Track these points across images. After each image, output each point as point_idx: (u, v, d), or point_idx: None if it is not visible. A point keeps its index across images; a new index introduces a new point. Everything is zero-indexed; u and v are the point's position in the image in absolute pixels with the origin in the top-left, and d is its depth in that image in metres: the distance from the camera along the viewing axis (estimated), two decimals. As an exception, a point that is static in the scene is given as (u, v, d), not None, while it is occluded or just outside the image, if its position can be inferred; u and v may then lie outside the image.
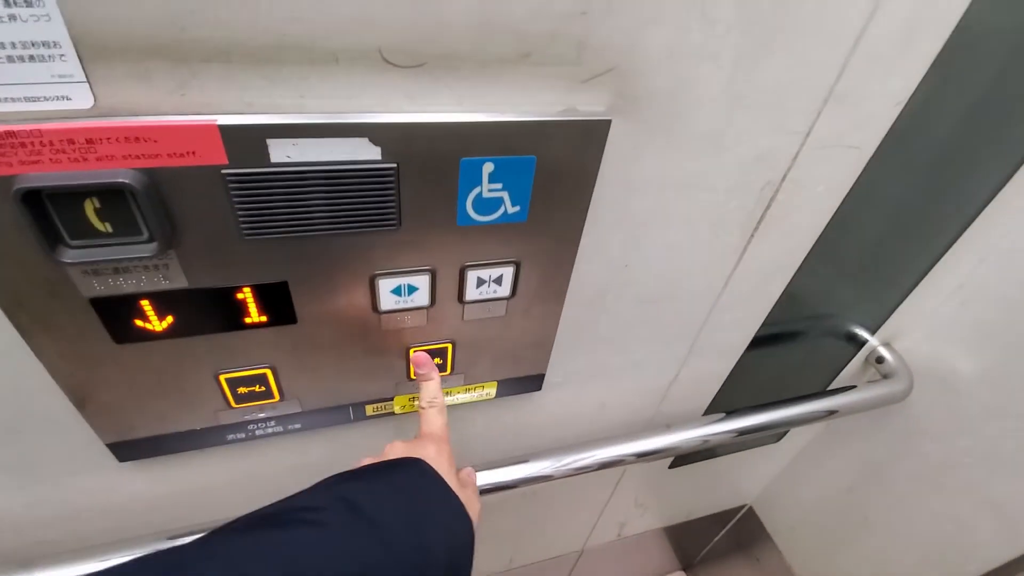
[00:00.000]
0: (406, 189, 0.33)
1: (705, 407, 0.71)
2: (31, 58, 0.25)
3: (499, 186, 0.35)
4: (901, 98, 0.41)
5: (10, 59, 0.24)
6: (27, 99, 0.26)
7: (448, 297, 0.41)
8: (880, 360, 0.74)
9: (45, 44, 0.24)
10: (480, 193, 0.35)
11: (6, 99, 0.25)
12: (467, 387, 0.50)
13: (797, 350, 0.77)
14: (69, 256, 0.29)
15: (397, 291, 0.38)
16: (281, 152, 0.29)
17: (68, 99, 0.26)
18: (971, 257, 0.64)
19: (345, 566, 0.27)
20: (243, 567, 0.25)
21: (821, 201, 0.48)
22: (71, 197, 0.28)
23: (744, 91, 0.36)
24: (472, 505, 0.37)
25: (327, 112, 0.29)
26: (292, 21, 0.26)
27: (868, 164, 0.46)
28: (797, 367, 0.78)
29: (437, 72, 0.30)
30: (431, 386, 0.42)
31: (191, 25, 0.25)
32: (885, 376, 0.73)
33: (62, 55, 0.25)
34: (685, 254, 0.47)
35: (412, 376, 0.46)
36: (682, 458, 0.85)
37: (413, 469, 0.35)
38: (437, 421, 0.41)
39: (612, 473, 0.80)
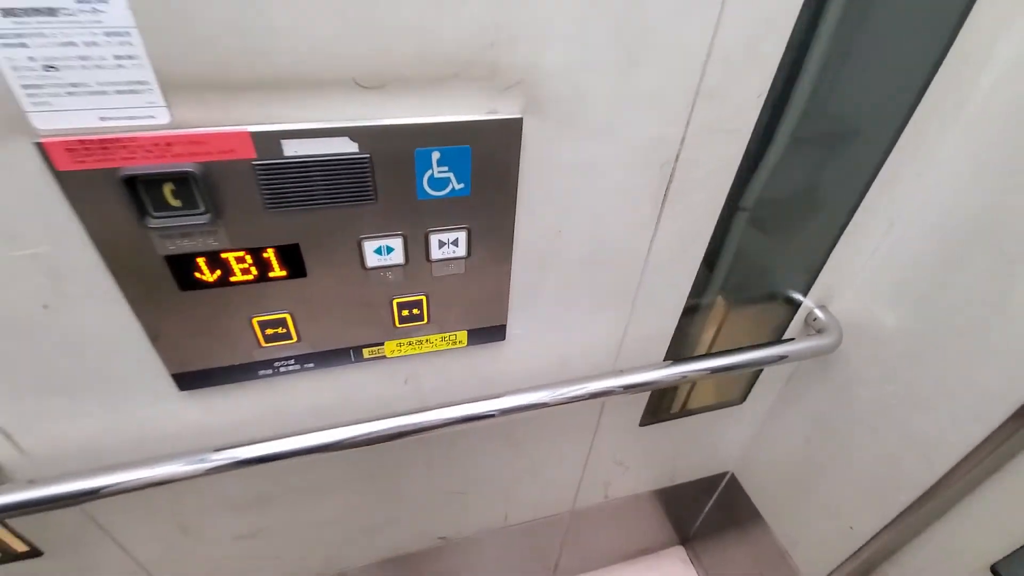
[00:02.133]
0: (379, 173, 0.47)
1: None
2: (131, 91, 0.39)
3: (445, 168, 0.48)
4: (761, 91, 0.54)
5: (118, 92, 0.39)
6: (127, 117, 0.40)
7: (419, 256, 0.54)
8: (815, 319, 0.85)
9: (140, 83, 0.39)
10: (432, 174, 0.48)
11: (114, 117, 0.40)
12: (442, 335, 0.63)
13: (741, 315, 0.89)
14: (152, 223, 0.43)
15: (379, 251, 0.52)
16: (291, 149, 0.43)
17: (153, 117, 0.40)
18: (881, 222, 0.75)
19: None
20: None
21: (716, 176, 0.60)
22: (155, 182, 0.42)
23: (626, 92, 0.49)
24: None
25: (321, 120, 0.43)
26: (295, 64, 0.40)
27: (750, 143, 0.58)
28: (743, 331, 0.89)
29: (394, 90, 0.43)
30: None
31: (232, 68, 0.39)
32: (819, 331, 0.84)
33: (150, 89, 0.39)
34: (609, 223, 0.60)
35: (397, 324, 0.59)
36: (652, 416, 0.96)
37: None
38: None
39: (587, 427, 0.91)
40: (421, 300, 0.58)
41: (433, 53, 0.42)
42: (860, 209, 0.73)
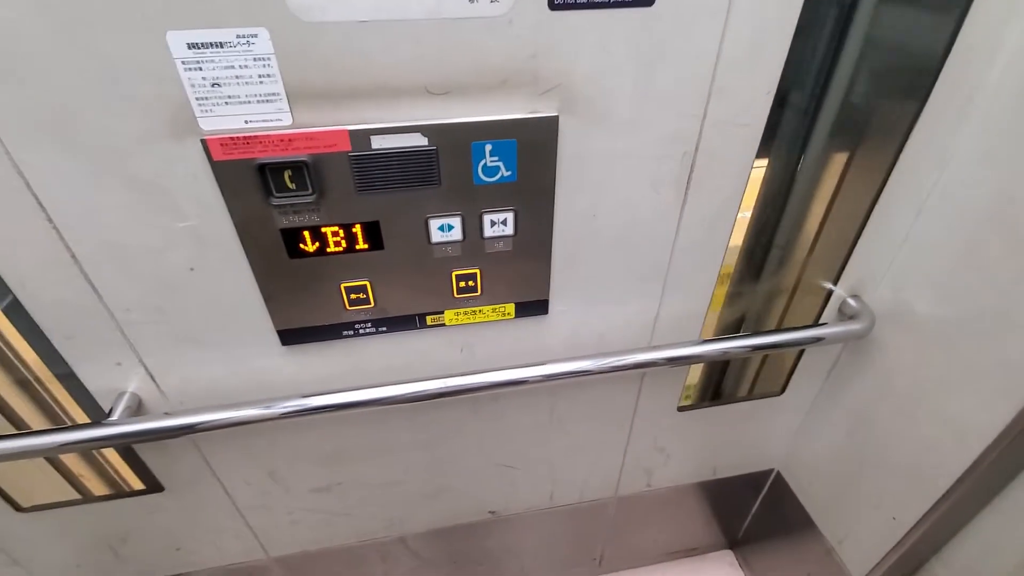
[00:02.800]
0: (443, 161, 0.58)
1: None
2: (267, 101, 0.53)
3: (496, 159, 0.59)
4: (770, 88, 0.62)
5: (259, 101, 0.53)
6: (263, 120, 0.54)
7: (474, 233, 0.65)
8: (847, 308, 0.89)
9: (274, 94, 0.53)
10: (485, 163, 0.59)
11: (254, 120, 0.54)
12: (493, 306, 0.73)
13: (773, 304, 0.94)
14: (275, 202, 0.57)
15: (442, 228, 0.64)
16: (378, 143, 0.56)
17: (281, 120, 0.54)
18: (908, 210, 0.79)
19: None
20: None
21: (734, 164, 0.68)
22: (279, 169, 0.56)
23: (647, 92, 0.59)
24: None
25: (401, 120, 0.56)
26: (383, 77, 0.53)
27: (764, 137, 0.66)
28: (774, 318, 0.94)
29: (456, 95, 0.55)
30: None
31: (336, 84, 0.52)
32: (851, 318, 0.88)
33: (281, 99, 0.53)
34: (637, 207, 0.69)
35: (455, 295, 0.71)
36: (688, 402, 1.02)
37: None
38: None
39: (625, 410, 0.98)
40: (475, 273, 0.69)
41: (486, 65, 0.54)
42: (884, 197, 0.77)
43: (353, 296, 0.67)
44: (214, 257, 0.62)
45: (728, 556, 1.51)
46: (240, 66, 0.51)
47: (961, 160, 0.71)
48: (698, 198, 0.69)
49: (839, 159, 0.75)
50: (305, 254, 0.62)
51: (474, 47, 0.53)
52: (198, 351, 0.70)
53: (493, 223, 0.65)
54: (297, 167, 0.56)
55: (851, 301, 0.89)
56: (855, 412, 0.99)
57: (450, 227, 0.64)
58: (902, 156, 0.73)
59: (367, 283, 0.67)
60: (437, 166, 0.58)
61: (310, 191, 0.58)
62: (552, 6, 0.51)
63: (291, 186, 0.57)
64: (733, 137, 0.65)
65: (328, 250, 0.62)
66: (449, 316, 0.73)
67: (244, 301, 0.66)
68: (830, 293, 0.90)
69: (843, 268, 0.86)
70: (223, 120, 0.53)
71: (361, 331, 0.71)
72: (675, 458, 1.14)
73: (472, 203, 0.63)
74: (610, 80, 0.57)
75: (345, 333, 0.71)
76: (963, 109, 0.68)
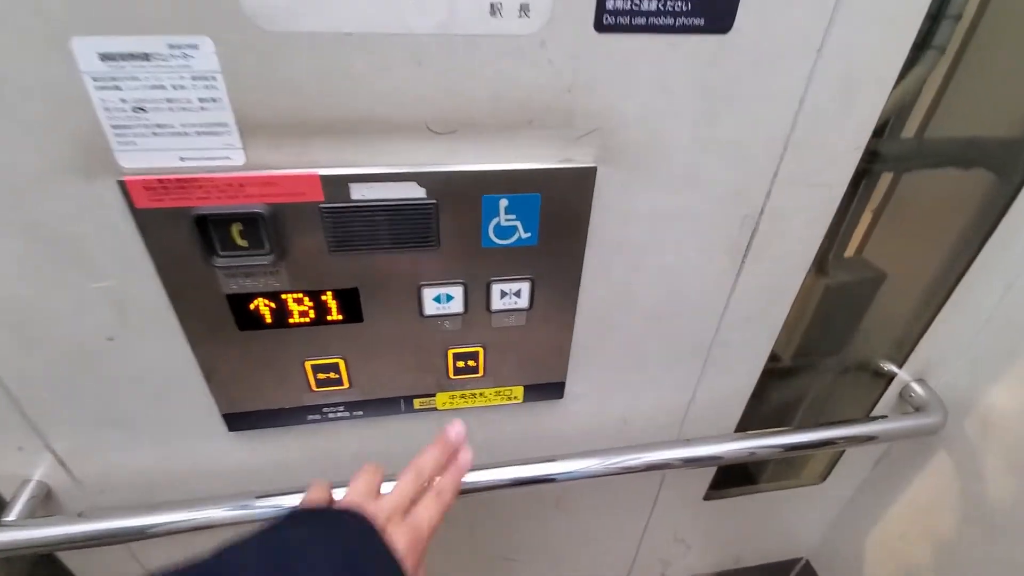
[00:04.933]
0: (443, 218, 0.45)
1: (730, 432, 0.75)
2: (210, 133, 0.40)
3: (513, 217, 0.46)
4: (859, 144, 0.49)
5: (198, 133, 0.39)
6: (205, 158, 0.40)
7: (478, 306, 0.51)
8: (912, 395, 0.75)
9: (220, 124, 0.39)
10: (499, 222, 0.46)
11: (192, 158, 0.40)
12: (497, 389, 0.59)
13: (825, 386, 0.80)
14: (219, 263, 0.43)
15: (438, 299, 0.50)
16: (359, 192, 0.43)
17: (229, 159, 0.41)
18: (996, 284, 0.66)
19: None
20: None
21: (804, 230, 0.55)
22: (225, 221, 0.42)
23: (708, 141, 0.46)
24: None
25: (391, 165, 0.42)
26: (369, 107, 0.40)
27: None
28: (826, 402, 0.81)
29: (466, 135, 0.42)
30: (454, 474, 0.41)
31: (308, 113, 0.39)
32: (917, 410, 0.74)
33: (229, 132, 0.40)
34: (682, 276, 0.55)
35: (451, 376, 0.57)
36: (717, 490, 0.87)
37: (356, 532, 0.33)
38: (431, 514, 0.38)
39: (646, 497, 0.84)
40: (478, 352, 0.55)
41: (508, 99, 0.41)
42: (972, 269, 0.65)
43: (321, 376, 0.53)
44: (139, 326, 0.47)
45: (742, 645, 1.35)
46: (173, 86, 0.37)
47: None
48: (756, 267, 0.56)
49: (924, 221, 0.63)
50: (259, 325, 0.48)
51: (493, 74, 0.40)
52: (122, 433, 0.55)
53: (504, 294, 0.51)
54: (250, 220, 0.42)
55: (916, 387, 0.75)
56: (913, 511, 0.84)
57: (449, 298, 0.50)
58: (1006, 216, 0.60)
59: (340, 361, 0.53)
60: (436, 224, 0.45)
61: (267, 250, 0.44)
62: (600, 26, 0.39)
63: (242, 243, 0.43)
64: (807, 199, 0.52)
65: (290, 321, 0.48)
66: (442, 399, 0.59)
67: (179, 379, 0.51)
68: (891, 376, 0.76)
69: (913, 348, 0.73)
70: (150, 156, 0.39)
71: (331, 415, 0.57)
72: (696, 548, 0.98)
73: (478, 270, 0.49)
74: (665, 124, 0.45)
75: (311, 418, 0.56)
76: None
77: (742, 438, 0.68)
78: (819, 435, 0.70)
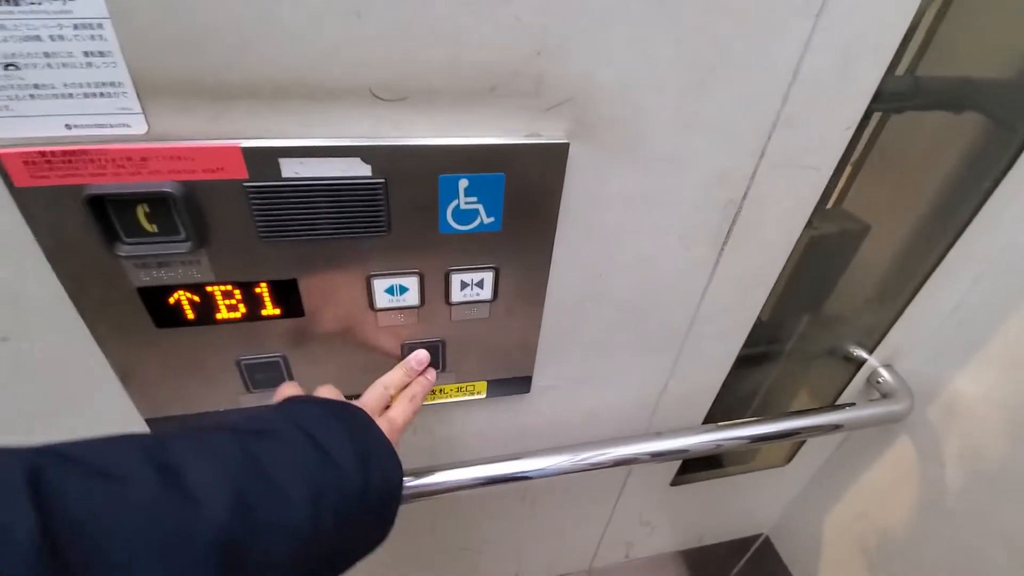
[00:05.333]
0: (394, 201, 0.39)
1: (699, 422, 0.73)
2: (101, 95, 0.32)
3: (474, 199, 0.40)
4: (850, 123, 0.45)
5: (86, 95, 0.32)
6: (96, 126, 0.33)
7: (436, 298, 0.46)
8: (879, 381, 0.75)
9: (112, 84, 0.32)
10: (458, 205, 0.40)
11: (81, 125, 0.33)
12: (459, 385, 0.55)
13: (794, 371, 0.79)
14: (123, 251, 0.36)
15: (390, 291, 0.44)
16: (290, 169, 0.36)
17: (128, 127, 0.34)
18: (966, 276, 0.65)
19: (304, 481, 0.31)
20: (219, 452, 0.30)
21: (787, 217, 0.51)
22: (126, 203, 0.35)
23: (693, 118, 0.41)
24: None
25: (328, 136, 0.36)
26: (303, 68, 0.33)
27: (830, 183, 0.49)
28: (795, 389, 0.80)
29: (418, 103, 0.36)
30: (401, 378, 0.47)
31: (223, 71, 0.32)
32: (885, 396, 0.74)
33: (124, 93, 0.33)
34: (658, 265, 0.51)
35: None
36: (684, 476, 0.86)
37: (356, 415, 0.39)
38: (404, 413, 0.45)
39: (612, 486, 0.82)
40: (437, 346, 0.50)
41: (467, 62, 0.35)
42: (946, 259, 0.63)
43: (259, 375, 0.47)
44: (37, 324, 0.40)
45: (702, 615, 1.38)
46: (51, 36, 0.30)
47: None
48: (736, 256, 0.52)
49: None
50: (181, 322, 0.42)
51: (450, 31, 0.33)
52: (30, 442, 0.48)
53: (464, 284, 0.46)
54: (158, 200, 0.35)
55: (885, 373, 0.75)
56: (873, 492, 0.85)
57: (403, 289, 0.45)
58: (983, 208, 0.58)
59: (279, 359, 0.47)
60: (386, 206, 0.39)
61: (182, 236, 0.37)
62: (575, -24, 0.33)
63: (150, 228, 0.36)
64: (793, 182, 0.48)
65: (218, 316, 0.42)
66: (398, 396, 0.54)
67: (88, 381, 0.44)
68: (861, 362, 0.75)
69: (885, 335, 0.71)
70: (28, 124, 0.32)
71: (273, 417, 0.51)
72: (660, 530, 0.98)
73: (436, 258, 0.44)
74: (646, 97, 0.39)
75: (249, 420, 0.50)
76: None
77: (712, 430, 0.65)
78: (789, 424, 0.68)
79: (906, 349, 0.73)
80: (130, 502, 0.25)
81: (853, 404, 0.72)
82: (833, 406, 0.71)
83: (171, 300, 0.40)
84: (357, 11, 0.31)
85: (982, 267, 0.64)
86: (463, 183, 0.39)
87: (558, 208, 0.43)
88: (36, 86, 0.31)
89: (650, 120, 0.41)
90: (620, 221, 0.47)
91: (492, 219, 0.42)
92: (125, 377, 0.44)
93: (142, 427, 0.48)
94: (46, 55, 0.31)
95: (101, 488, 0.25)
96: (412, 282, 0.44)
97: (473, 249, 0.44)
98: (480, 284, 0.46)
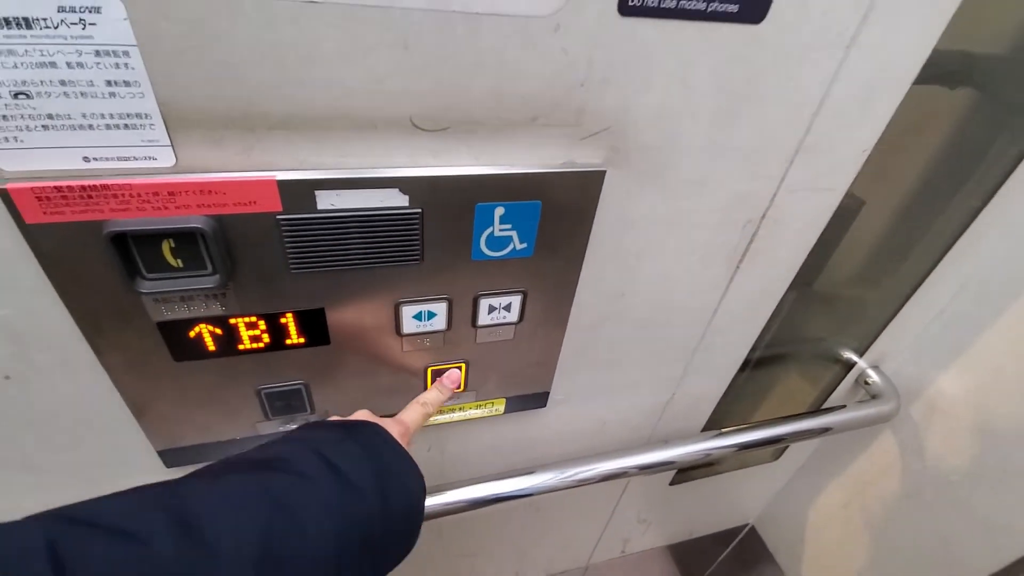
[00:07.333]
0: (429, 230, 0.38)
1: (701, 427, 0.74)
2: (125, 126, 0.30)
3: (508, 226, 0.40)
4: (867, 146, 0.46)
5: (108, 127, 0.30)
6: (119, 159, 0.31)
7: (463, 322, 0.46)
8: (868, 381, 0.78)
9: (139, 116, 0.30)
10: (492, 232, 0.40)
11: (102, 158, 0.31)
12: (479, 403, 0.54)
13: (789, 373, 0.82)
14: (145, 287, 0.34)
15: (418, 316, 0.43)
16: (326, 201, 0.35)
17: (154, 159, 0.31)
18: (951, 285, 0.68)
19: (328, 514, 0.31)
20: (239, 502, 0.28)
21: (800, 236, 0.52)
22: (152, 238, 0.33)
23: (722, 144, 0.42)
24: None
25: (365, 168, 0.35)
26: (341, 97, 0.32)
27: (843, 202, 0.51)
28: (789, 389, 0.82)
29: (458, 134, 0.35)
30: (438, 396, 0.47)
31: (259, 102, 0.31)
32: (873, 397, 0.77)
33: (152, 125, 0.30)
34: (676, 283, 0.52)
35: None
36: (682, 475, 0.88)
37: (372, 432, 0.38)
38: (417, 416, 0.45)
39: (614, 489, 0.83)
40: (460, 368, 0.49)
41: (512, 93, 0.34)
42: (936, 269, 0.66)
43: (279, 403, 0.46)
44: (44, 361, 0.38)
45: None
46: (69, 64, 0.27)
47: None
48: (750, 273, 0.54)
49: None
50: (201, 355, 0.40)
51: (496, 63, 0.32)
52: (36, 478, 0.45)
53: (492, 308, 0.45)
54: (186, 236, 0.33)
55: (873, 374, 0.78)
56: (856, 484, 0.90)
57: (431, 315, 0.44)
58: (973, 224, 0.61)
59: (302, 386, 0.45)
60: (420, 236, 0.38)
61: (209, 271, 0.35)
62: (624, 9, 0.32)
63: (175, 263, 0.35)
64: (809, 203, 0.49)
65: (240, 347, 0.40)
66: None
67: (100, 418, 0.42)
68: (850, 363, 0.78)
69: (874, 339, 0.74)
70: (41, 156, 0.30)
71: (289, 443, 0.50)
72: (655, 526, 1.01)
73: (465, 284, 0.43)
74: (680, 125, 0.39)
75: (265, 447, 0.49)
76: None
77: (714, 437, 0.67)
78: (781, 430, 0.70)
79: (893, 352, 0.77)
80: (153, 563, 0.24)
81: (844, 407, 0.75)
82: (824, 409, 0.74)
83: (192, 334, 0.38)
84: (405, 43, 0.30)
85: (967, 276, 0.67)
86: (499, 211, 0.39)
87: (590, 232, 0.43)
88: (50, 116, 0.29)
89: (682, 147, 0.41)
90: (645, 242, 0.47)
91: (525, 245, 0.41)
92: (139, 412, 0.42)
93: (153, 459, 0.46)
94: (63, 83, 0.28)
95: (122, 551, 0.24)
96: (440, 307, 0.43)
97: (503, 274, 0.43)
98: (508, 308, 0.46)
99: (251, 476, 0.31)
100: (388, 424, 0.41)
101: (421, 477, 0.38)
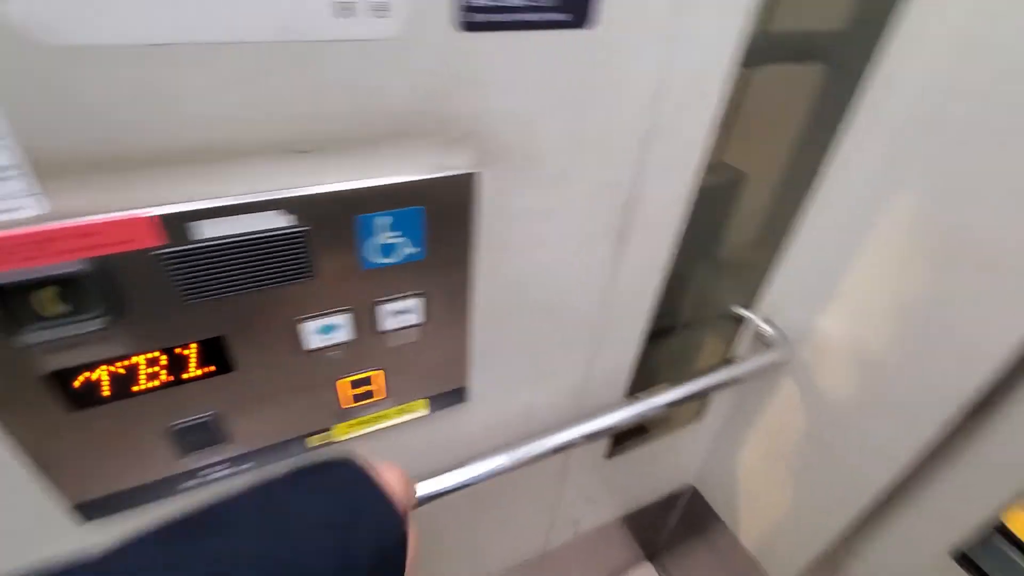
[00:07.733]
0: (316, 245, 0.40)
1: (620, 398, 0.80)
2: (-13, 181, 0.31)
3: (398, 233, 0.43)
4: (711, 125, 0.53)
5: (-32, 184, 0.30)
6: (-15, 213, 0.31)
7: (368, 330, 0.48)
8: (764, 334, 0.87)
9: (5, 169, 0.31)
10: (381, 240, 0.42)
11: (-34, 216, 0.31)
12: (400, 407, 0.56)
13: (704, 337, 0.89)
14: (26, 340, 0.35)
15: (324, 330, 0.45)
16: (212, 230, 0.36)
17: (22, 209, 0.32)
18: (816, 235, 0.77)
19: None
20: None
21: (668, 211, 0.59)
22: (27, 288, 0.33)
23: (579, 138, 0.46)
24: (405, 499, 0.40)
25: (243, 194, 0.37)
26: (210, 129, 0.33)
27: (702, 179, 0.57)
28: (709, 353, 0.90)
29: (332, 153, 0.38)
30: None
31: (128, 141, 0.32)
32: (768, 347, 0.85)
33: (17, 175, 0.31)
34: (567, 268, 0.56)
35: (349, 404, 0.52)
36: (617, 447, 0.94)
37: (342, 470, 0.36)
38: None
39: (553, 471, 0.87)
40: (375, 376, 0.51)
41: (372, 110, 0.37)
42: (802, 223, 0.75)
43: (191, 438, 0.46)
44: (-76, 430, 0.37)
45: (648, 568, 1.50)
46: (-86, 125, 0.28)
47: (872, 180, 0.70)
48: (634, 248, 0.59)
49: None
50: (101, 400, 0.40)
51: (350, 84, 0.35)
52: (-73, 560, 0.43)
53: (396, 312, 0.48)
54: (66, 281, 0.34)
55: (765, 326, 0.87)
56: (769, 433, 0.99)
57: (334, 327, 0.46)
58: (823, 185, 0.70)
59: (210, 417, 0.46)
60: (308, 253, 0.40)
61: (96, 312, 0.36)
62: (465, 25, 0.36)
63: (59, 310, 0.35)
64: (669, 181, 0.55)
65: (138, 387, 0.41)
66: (340, 430, 0.55)
67: (6, 480, 0.41)
68: (746, 320, 0.87)
69: (759, 294, 0.83)
70: None
71: (211, 477, 0.50)
72: (602, 502, 1.06)
73: (363, 293, 0.45)
74: (537, 124, 0.44)
75: (186, 485, 0.49)
76: (875, 131, 0.67)
77: (633, 402, 0.73)
78: (694, 386, 0.77)
79: (780, 303, 0.86)
80: None
81: (741, 359, 0.83)
82: (726, 361, 0.82)
83: (86, 379, 0.38)
84: (262, 74, 0.33)
85: (826, 225, 0.76)
86: (384, 220, 0.41)
87: (473, 231, 0.46)
88: (-99, 178, 0.29)
89: (544, 143, 0.45)
90: (530, 233, 0.51)
91: (417, 249, 0.44)
92: (45, 467, 0.41)
93: (71, 514, 0.45)
94: (-90, 145, 0.29)
95: None
96: (343, 319, 0.46)
97: (400, 278, 0.46)
98: (409, 310, 0.48)
99: (178, 546, 0.29)
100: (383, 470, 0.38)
101: (398, 515, 0.36)
